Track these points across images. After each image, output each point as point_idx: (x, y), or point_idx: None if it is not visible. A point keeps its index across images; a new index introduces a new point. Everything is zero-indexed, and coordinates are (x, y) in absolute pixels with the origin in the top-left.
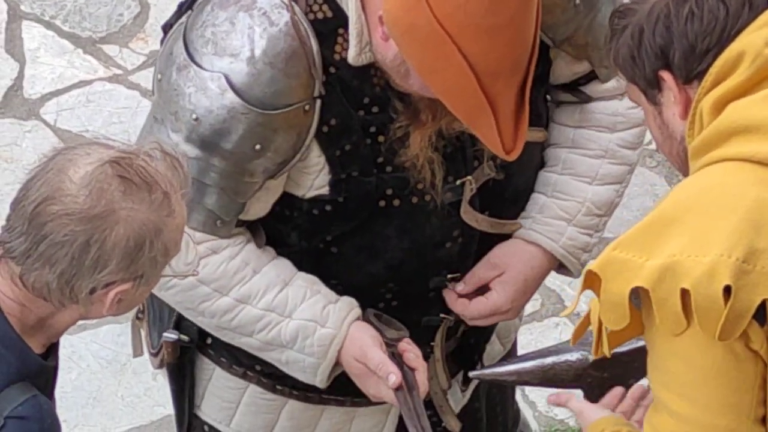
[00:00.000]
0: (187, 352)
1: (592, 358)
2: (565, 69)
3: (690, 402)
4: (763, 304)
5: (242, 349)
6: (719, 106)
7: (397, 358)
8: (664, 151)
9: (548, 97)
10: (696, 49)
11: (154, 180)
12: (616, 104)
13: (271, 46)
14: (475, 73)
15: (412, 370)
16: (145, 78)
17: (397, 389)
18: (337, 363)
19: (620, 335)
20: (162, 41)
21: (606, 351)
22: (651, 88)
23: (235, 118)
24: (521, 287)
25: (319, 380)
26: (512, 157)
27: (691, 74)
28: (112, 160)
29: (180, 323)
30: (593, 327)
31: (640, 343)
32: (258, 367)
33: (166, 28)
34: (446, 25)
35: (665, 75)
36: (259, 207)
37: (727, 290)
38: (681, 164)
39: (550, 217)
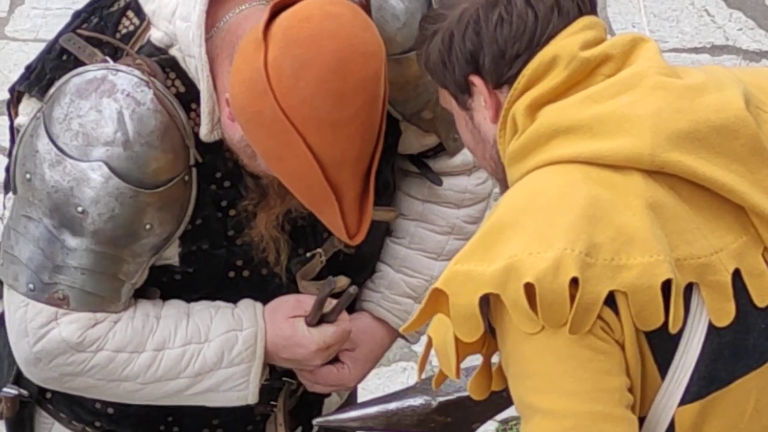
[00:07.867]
0: (27, 406)
1: (435, 403)
2: (414, 141)
3: (564, 394)
4: (610, 295)
5: (83, 405)
6: (534, 109)
7: None
8: (477, 155)
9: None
10: (506, 54)
11: None
12: (464, 181)
13: (143, 126)
14: (320, 163)
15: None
16: None
17: None
18: (266, 362)
19: (469, 348)
20: (8, 104)
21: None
22: (462, 92)
23: (124, 203)
24: (371, 365)
25: (253, 387)
26: (356, 241)
27: (501, 79)
28: None
29: (19, 378)
30: (444, 348)
31: None
32: (98, 423)
33: (13, 92)
34: (291, 116)
35: (475, 79)
36: (144, 276)
37: (574, 282)
38: (494, 167)
39: (398, 294)
